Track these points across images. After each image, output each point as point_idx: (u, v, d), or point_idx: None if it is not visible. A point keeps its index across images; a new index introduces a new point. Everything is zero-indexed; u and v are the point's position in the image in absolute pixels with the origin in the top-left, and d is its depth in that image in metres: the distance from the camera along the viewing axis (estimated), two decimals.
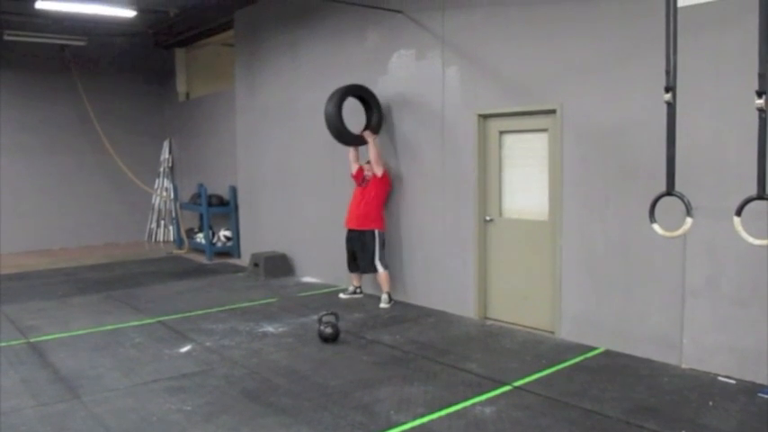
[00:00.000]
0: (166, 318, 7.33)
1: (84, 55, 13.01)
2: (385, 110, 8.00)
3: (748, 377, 4.93)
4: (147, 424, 4.40)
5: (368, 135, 7.82)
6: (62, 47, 12.66)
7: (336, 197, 8.14)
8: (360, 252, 7.88)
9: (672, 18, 3.71)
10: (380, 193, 7.87)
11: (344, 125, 7.82)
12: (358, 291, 8.23)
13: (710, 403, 4.57)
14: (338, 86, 7.90)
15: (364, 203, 7.84)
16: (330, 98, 7.77)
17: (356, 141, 7.95)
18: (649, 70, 5.03)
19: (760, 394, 4.69)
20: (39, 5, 9.08)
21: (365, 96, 7.93)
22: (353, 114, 7.99)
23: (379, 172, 7.77)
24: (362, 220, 7.85)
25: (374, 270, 7.81)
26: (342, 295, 8.21)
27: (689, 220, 3.79)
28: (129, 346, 6.27)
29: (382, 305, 7.68)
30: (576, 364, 5.54)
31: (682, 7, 3.96)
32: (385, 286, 7.80)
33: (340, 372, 5.44)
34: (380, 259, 7.77)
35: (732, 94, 4.85)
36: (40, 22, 11.31)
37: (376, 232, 7.79)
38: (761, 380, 4.86)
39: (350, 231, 8.00)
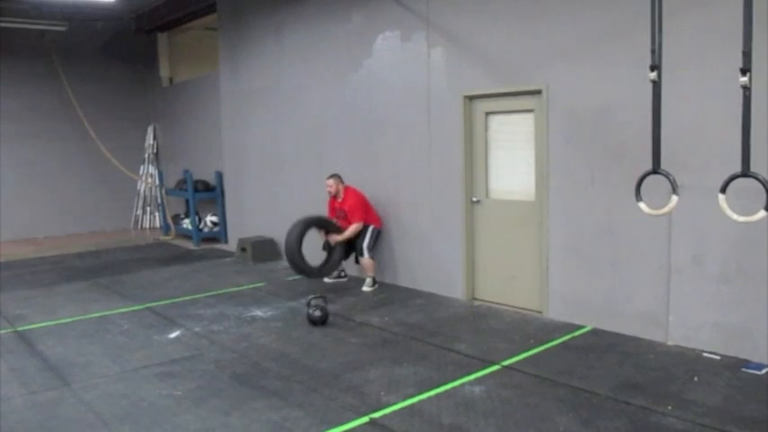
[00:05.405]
0: (154, 304, 7.31)
1: (64, 41, 12.80)
2: (370, 93, 7.94)
3: (732, 353, 5.00)
4: (138, 409, 4.41)
5: (335, 240, 7.71)
6: (42, 32, 12.46)
7: (323, 180, 8.10)
8: (354, 240, 7.81)
9: None
10: (365, 213, 7.76)
11: (304, 259, 7.45)
12: (342, 274, 8.24)
13: (696, 379, 4.64)
14: (300, 218, 7.62)
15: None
16: (290, 231, 7.44)
17: (318, 272, 7.73)
18: (635, 49, 5.03)
19: (743, 369, 4.76)
20: None
21: (327, 228, 7.78)
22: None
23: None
24: None
25: (361, 255, 7.78)
26: (326, 278, 8.20)
27: (674, 198, 3.81)
28: (118, 332, 6.26)
29: (365, 288, 7.72)
30: (564, 342, 5.59)
31: None
32: (369, 271, 7.80)
33: (329, 354, 5.46)
34: (368, 248, 7.74)
35: (717, 71, 4.85)
36: (19, 8, 11.13)
37: (371, 227, 7.78)
38: (744, 355, 4.93)
39: None
